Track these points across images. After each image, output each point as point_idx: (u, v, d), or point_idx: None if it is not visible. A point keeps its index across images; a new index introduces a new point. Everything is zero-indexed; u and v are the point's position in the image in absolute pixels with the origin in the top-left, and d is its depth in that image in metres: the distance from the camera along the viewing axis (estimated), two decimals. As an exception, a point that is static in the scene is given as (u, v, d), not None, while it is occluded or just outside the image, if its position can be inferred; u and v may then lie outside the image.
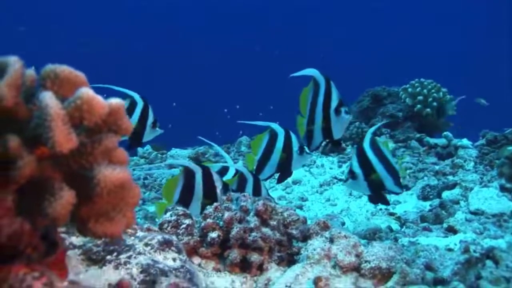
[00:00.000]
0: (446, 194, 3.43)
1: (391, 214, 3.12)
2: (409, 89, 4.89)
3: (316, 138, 2.41)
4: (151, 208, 3.73)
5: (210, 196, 2.07)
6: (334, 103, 2.32)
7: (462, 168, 3.95)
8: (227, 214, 1.55)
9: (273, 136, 2.57)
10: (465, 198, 3.29)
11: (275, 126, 2.55)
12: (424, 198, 3.49)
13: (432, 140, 4.64)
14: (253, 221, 1.56)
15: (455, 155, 4.23)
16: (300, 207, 3.70)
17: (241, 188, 2.34)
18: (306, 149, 2.55)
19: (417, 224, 2.92)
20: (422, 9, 15.52)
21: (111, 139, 0.77)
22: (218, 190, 2.08)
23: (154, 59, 14.37)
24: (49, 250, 0.82)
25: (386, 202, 2.50)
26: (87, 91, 0.73)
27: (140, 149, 5.18)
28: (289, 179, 4.23)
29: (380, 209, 3.48)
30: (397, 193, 2.54)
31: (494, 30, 14.07)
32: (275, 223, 1.61)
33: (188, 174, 2.08)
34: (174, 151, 4.86)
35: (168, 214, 1.60)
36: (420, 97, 4.80)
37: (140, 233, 1.38)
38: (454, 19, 15.36)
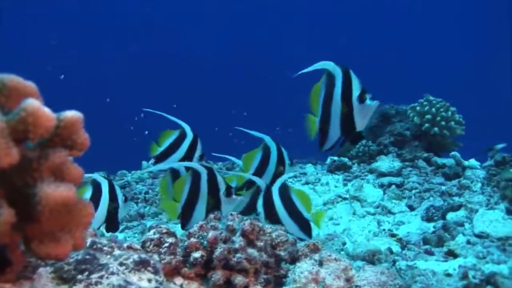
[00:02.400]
0: (450, 216, 3.35)
1: (393, 235, 3.04)
2: (418, 108, 4.82)
3: (331, 135, 2.29)
4: (150, 223, 3.68)
5: (214, 196, 2.14)
6: (356, 91, 2.21)
7: (469, 189, 3.86)
8: (211, 234, 1.50)
9: (267, 151, 2.55)
10: (470, 220, 3.21)
11: (268, 139, 2.53)
12: (428, 219, 3.41)
13: (440, 160, 4.56)
14: (238, 241, 1.50)
15: (462, 176, 4.14)
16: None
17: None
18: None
19: (419, 246, 2.84)
20: (429, 19, 15.44)
21: (59, 154, 0.72)
22: (221, 192, 2.15)
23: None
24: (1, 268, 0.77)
25: None
26: (32, 102, 0.68)
27: (144, 163, 5.16)
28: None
29: (383, 230, 3.40)
30: (303, 240, 2.48)
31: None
32: (262, 244, 1.55)
33: (195, 175, 2.15)
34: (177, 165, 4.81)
35: (151, 232, 1.55)
36: (428, 116, 4.73)
37: (117, 252, 1.33)
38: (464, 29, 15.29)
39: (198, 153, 2.53)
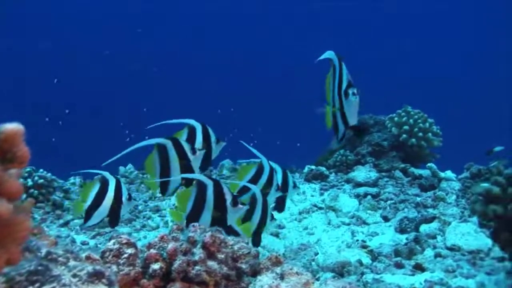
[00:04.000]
0: (424, 228, 3.35)
1: (364, 247, 3.04)
2: (395, 118, 4.84)
3: (339, 127, 2.34)
4: (123, 230, 3.65)
5: (220, 207, 2.16)
6: (344, 85, 2.24)
7: (444, 201, 3.88)
8: (171, 245, 1.48)
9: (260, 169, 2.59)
10: (442, 232, 3.22)
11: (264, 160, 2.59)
12: (402, 230, 3.41)
13: (417, 171, 4.57)
14: (198, 253, 1.48)
15: (438, 187, 4.16)
16: (277, 235, 3.61)
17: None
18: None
19: (390, 258, 2.84)
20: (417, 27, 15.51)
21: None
22: (228, 202, 2.15)
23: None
24: None
25: None
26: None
27: (121, 168, 5.11)
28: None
29: (357, 240, 3.40)
30: None
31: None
32: (223, 256, 1.53)
33: (201, 187, 2.16)
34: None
35: (111, 242, 1.52)
36: (406, 127, 4.74)
37: (72, 263, 1.30)
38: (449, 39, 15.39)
39: (213, 138, 2.54)
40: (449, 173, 4.40)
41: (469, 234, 3.07)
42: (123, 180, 4.84)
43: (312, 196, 4.31)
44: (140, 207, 4.06)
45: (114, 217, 2.49)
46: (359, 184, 4.33)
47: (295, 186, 2.95)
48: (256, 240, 2.54)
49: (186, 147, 2.27)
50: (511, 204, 2.17)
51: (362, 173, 4.45)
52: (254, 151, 2.62)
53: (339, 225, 3.74)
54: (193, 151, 2.30)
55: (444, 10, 14.57)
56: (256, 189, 2.44)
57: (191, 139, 2.52)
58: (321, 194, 4.32)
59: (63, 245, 3.17)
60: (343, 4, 14.63)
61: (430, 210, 3.75)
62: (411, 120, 4.78)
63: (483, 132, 10.50)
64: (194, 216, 2.16)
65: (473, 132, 10.49)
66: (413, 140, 4.72)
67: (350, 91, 2.19)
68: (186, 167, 2.30)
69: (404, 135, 4.74)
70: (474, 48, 14.49)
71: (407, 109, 4.86)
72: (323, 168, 4.71)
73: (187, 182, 2.35)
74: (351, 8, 14.90)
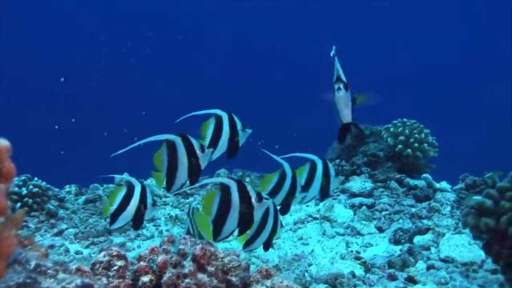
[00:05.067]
0: (417, 239, 3.35)
1: (358, 258, 3.04)
2: (391, 129, 4.85)
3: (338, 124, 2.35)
4: (117, 239, 3.64)
5: (246, 205, 2.17)
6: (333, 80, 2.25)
7: (438, 212, 3.88)
8: (161, 258, 1.48)
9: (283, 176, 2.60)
10: (436, 244, 3.22)
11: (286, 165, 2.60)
12: (396, 242, 3.41)
13: (412, 181, 4.58)
14: (188, 266, 1.48)
15: (433, 198, 4.16)
16: (271, 245, 3.61)
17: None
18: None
19: (384, 270, 2.84)
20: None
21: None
22: (253, 199, 2.17)
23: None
24: None
25: None
26: None
27: (117, 177, 5.10)
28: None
29: (351, 251, 3.40)
30: None
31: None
32: (213, 269, 1.53)
33: (225, 188, 2.18)
34: (150, 180, 4.78)
35: (102, 254, 1.52)
36: (402, 138, 4.75)
37: (61, 275, 1.30)
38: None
39: (239, 125, 2.56)
40: (444, 184, 4.41)
41: (463, 246, 3.07)
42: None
43: (307, 206, 4.31)
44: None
45: (138, 221, 2.58)
46: (354, 195, 4.33)
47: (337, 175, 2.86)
48: (267, 247, 2.59)
49: (195, 144, 2.29)
50: (503, 217, 2.17)
51: (357, 183, 4.45)
52: (276, 158, 2.64)
53: (333, 236, 3.74)
54: (202, 148, 2.32)
55: (441, 16, 14.63)
56: (269, 201, 2.45)
57: (218, 128, 2.54)
58: (317, 204, 4.32)
59: (56, 254, 3.17)
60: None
61: (425, 221, 3.75)
62: (407, 131, 4.79)
63: (480, 143, 10.54)
64: (221, 218, 2.17)
65: (470, 142, 10.51)
66: (409, 150, 4.72)
67: (335, 86, 2.14)
68: (194, 164, 2.31)
69: (400, 146, 4.74)
70: (472, 56, 14.52)
71: (403, 120, 4.88)
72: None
73: (193, 180, 2.36)
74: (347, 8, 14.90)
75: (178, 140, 2.28)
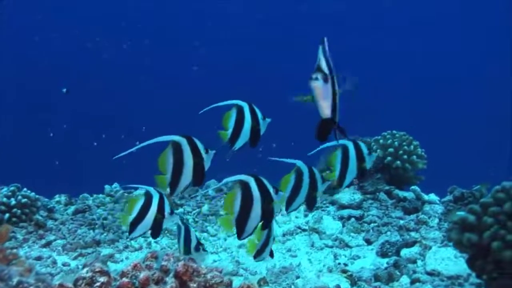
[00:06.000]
0: (404, 252, 3.37)
1: (344, 271, 3.05)
2: (381, 141, 4.87)
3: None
4: (106, 251, 3.64)
5: (267, 199, 2.19)
6: None
7: (426, 225, 3.90)
8: (143, 274, 1.49)
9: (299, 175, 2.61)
10: (423, 257, 3.24)
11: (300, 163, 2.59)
12: (383, 254, 3.43)
13: (401, 193, 4.60)
14: (170, 282, 1.49)
15: (421, 211, 4.19)
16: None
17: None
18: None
19: (370, 283, 2.86)
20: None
21: None
22: (272, 192, 2.20)
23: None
24: None
25: None
26: None
27: (107, 187, 5.11)
28: (253, 226, 4.17)
29: (339, 263, 3.42)
30: None
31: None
32: (195, 285, 1.54)
33: (244, 185, 2.19)
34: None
35: (85, 270, 1.53)
36: (391, 149, 4.77)
37: (42, 293, 1.31)
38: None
39: (259, 115, 2.59)
40: (432, 196, 4.44)
41: (449, 259, 3.09)
42: (108, 199, 4.85)
43: (297, 217, 4.33)
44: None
45: (156, 230, 2.60)
46: (343, 206, 4.34)
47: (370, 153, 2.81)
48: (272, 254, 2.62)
49: (200, 146, 2.31)
50: (486, 233, 2.20)
51: (346, 195, 4.47)
52: (287, 160, 2.66)
53: (322, 248, 3.76)
54: (206, 150, 2.34)
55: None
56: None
57: (240, 118, 2.57)
58: (306, 216, 4.33)
59: (43, 266, 3.17)
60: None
61: (413, 233, 3.77)
62: (396, 143, 4.81)
63: (470, 154, 10.59)
64: (244, 214, 2.19)
65: (460, 153, 10.55)
66: (398, 162, 4.75)
67: (312, 76, 1.95)
68: (199, 165, 2.33)
69: (389, 158, 4.77)
70: (466, 65, 14.58)
71: (392, 131, 4.90)
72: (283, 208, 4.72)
73: (197, 182, 2.38)
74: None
75: (183, 142, 2.28)
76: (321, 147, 2.64)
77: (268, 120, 2.63)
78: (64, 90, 6.52)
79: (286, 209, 2.67)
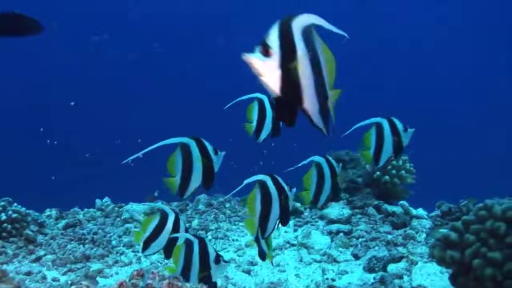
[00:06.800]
0: (391, 267, 3.41)
1: (331, 287, 3.09)
2: (370, 156, 4.92)
3: None
4: (95, 266, 3.66)
5: (284, 197, 2.23)
6: None
7: (414, 240, 3.94)
8: (128, 293, 1.52)
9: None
10: (409, 272, 3.28)
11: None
12: (370, 270, 3.46)
13: (390, 208, 4.65)
14: (155, 301, 1.52)
15: (409, 225, 4.23)
16: (248, 272, 3.65)
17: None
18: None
19: (356, 298, 2.89)
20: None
21: None
22: (289, 193, 2.25)
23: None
24: None
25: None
26: None
27: (98, 201, 5.13)
28: (242, 242, 4.20)
29: (326, 279, 3.45)
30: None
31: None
32: (180, 303, 1.57)
33: (262, 184, 2.24)
34: (130, 205, 4.81)
35: (71, 288, 1.56)
36: (380, 164, 4.83)
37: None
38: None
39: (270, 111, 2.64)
40: (420, 211, 4.49)
41: (435, 275, 3.13)
42: (99, 213, 4.87)
43: (286, 232, 4.36)
44: (113, 242, 4.08)
45: (169, 250, 2.58)
46: (332, 221, 4.38)
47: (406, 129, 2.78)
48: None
49: (209, 147, 2.32)
50: (468, 250, 2.24)
51: (335, 210, 4.51)
52: (303, 162, 2.68)
53: (310, 263, 3.79)
54: (215, 151, 2.37)
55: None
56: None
57: (262, 110, 2.62)
58: (295, 231, 4.37)
59: (33, 281, 3.19)
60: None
61: (400, 248, 3.81)
62: (384, 157, 4.86)
63: (459, 168, 10.65)
64: (265, 213, 2.22)
65: (449, 168, 10.61)
66: (387, 177, 4.80)
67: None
68: (208, 167, 2.35)
69: (378, 172, 4.82)
70: (460, 79, 14.67)
71: (381, 147, 4.96)
72: (298, 204, 4.77)
73: (207, 184, 2.39)
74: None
75: (192, 143, 2.30)
76: (355, 126, 2.64)
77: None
78: (73, 103, 6.43)
79: (316, 204, 2.69)
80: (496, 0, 13.94)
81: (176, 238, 2.53)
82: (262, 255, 2.71)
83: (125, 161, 2.29)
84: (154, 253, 2.68)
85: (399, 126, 2.67)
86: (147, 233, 2.57)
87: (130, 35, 14.16)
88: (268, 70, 1.46)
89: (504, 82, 14.05)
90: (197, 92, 13.43)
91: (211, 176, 2.36)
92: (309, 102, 1.46)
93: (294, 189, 2.33)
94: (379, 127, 2.65)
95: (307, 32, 1.49)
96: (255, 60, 1.45)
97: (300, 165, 2.68)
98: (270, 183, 2.22)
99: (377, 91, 14.03)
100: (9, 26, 3.16)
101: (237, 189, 2.39)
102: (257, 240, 2.60)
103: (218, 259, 2.38)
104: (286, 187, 2.24)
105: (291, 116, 1.52)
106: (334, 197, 2.97)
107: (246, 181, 2.32)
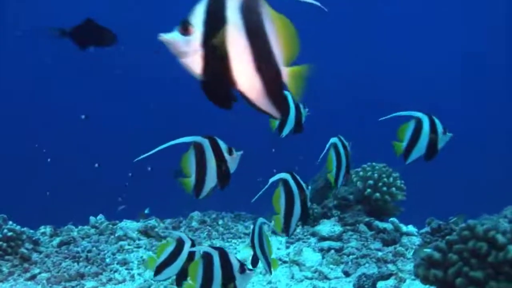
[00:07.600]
0: (380, 285, 3.47)
1: (321, 304, 3.15)
2: (361, 173, 5.00)
3: None
4: (90, 284, 3.71)
5: (303, 193, 2.31)
6: None
7: (404, 257, 4.01)
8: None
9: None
10: (398, 289, 3.34)
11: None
12: (360, 287, 3.51)
13: (381, 224, 4.71)
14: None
15: (399, 242, 4.30)
16: None
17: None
18: None
19: (345, 316, 2.95)
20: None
21: None
22: (304, 186, 2.32)
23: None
24: None
25: None
26: None
27: (92, 218, 5.18)
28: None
29: (317, 296, 3.51)
30: None
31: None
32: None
33: (284, 182, 2.31)
34: (124, 223, 4.86)
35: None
36: (371, 182, 4.90)
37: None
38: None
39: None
40: (410, 228, 4.56)
41: (423, 292, 3.19)
42: (93, 231, 4.92)
43: (278, 249, 4.42)
44: (107, 260, 4.13)
45: (181, 278, 2.57)
46: (323, 238, 4.45)
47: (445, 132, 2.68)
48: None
49: (223, 147, 2.26)
50: (451, 269, 2.31)
51: (327, 227, 4.57)
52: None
53: (302, 280, 3.84)
54: (230, 151, 2.35)
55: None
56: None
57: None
58: (287, 248, 4.43)
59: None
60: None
61: (390, 265, 3.87)
62: (375, 175, 4.95)
63: (450, 185, 10.72)
64: (289, 211, 2.30)
65: (440, 184, 10.67)
66: (377, 194, 4.87)
67: None
68: (223, 168, 2.34)
69: (369, 190, 4.90)
70: (452, 92, 14.74)
71: (372, 164, 5.04)
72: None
73: (223, 184, 2.37)
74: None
75: (205, 143, 2.25)
76: (394, 114, 2.59)
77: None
78: (83, 116, 6.37)
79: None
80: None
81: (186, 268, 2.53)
82: (255, 262, 2.69)
83: (137, 159, 2.26)
84: (165, 279, 2.69)
85: (439, 127, 2.58)
86: (162, 258, 2.56)
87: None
88: (188, 50, 1.27)
89: (503, 86, 14.12)
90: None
91: (226, 177, 2.31)
92: (246, 81, 1.25)
93: (310, 187, 2.40)
94: (418, 122, 2.57)
95: (249, 3, 1.26)
96: (171, 39, 1.27)
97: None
98: (291, 181, 2.29)
99: (377, 91, 14.02)
100: (89, 38, 3.08)
101: (263, 190, 2.42)
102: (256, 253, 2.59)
103: (243, 268, 2.22)
104: (304, 185, 2.32)
105: (225, 97, 1.31)
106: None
107: (271, 180, 2.39)
